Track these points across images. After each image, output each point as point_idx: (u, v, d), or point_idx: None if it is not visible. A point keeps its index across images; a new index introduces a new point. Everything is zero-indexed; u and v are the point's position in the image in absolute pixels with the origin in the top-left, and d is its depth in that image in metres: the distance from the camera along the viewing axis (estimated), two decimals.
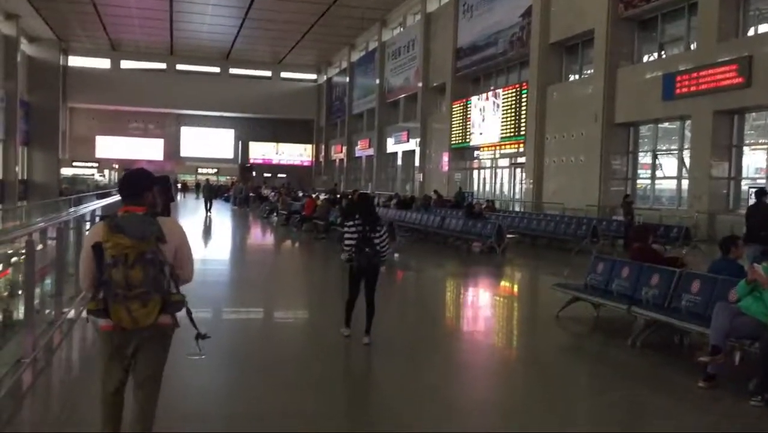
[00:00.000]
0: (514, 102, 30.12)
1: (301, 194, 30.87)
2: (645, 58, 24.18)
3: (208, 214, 30.63)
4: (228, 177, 63.16)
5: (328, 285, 11.79)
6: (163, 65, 62.67)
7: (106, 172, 63.43)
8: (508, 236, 16.11)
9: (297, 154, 70.49)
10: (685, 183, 21.91)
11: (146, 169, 3.96)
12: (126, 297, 3.28)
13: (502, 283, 13.42)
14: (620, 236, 16.46)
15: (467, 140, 35.01)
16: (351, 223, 7.40)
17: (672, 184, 23.01)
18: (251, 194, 39.57)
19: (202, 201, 35.61)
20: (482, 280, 13.39)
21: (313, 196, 24.97)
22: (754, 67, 18.33)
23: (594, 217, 19.28)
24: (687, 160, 21.70)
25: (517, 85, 30.17)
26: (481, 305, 10.60)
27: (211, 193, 33.77)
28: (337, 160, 61.83)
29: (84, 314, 3.99)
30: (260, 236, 23.47)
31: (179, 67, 63.11)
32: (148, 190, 3.67)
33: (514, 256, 16.15)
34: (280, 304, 10.29)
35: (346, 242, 7.30)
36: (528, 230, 18.79)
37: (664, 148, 23.76)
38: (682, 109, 21.07)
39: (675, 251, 9.81)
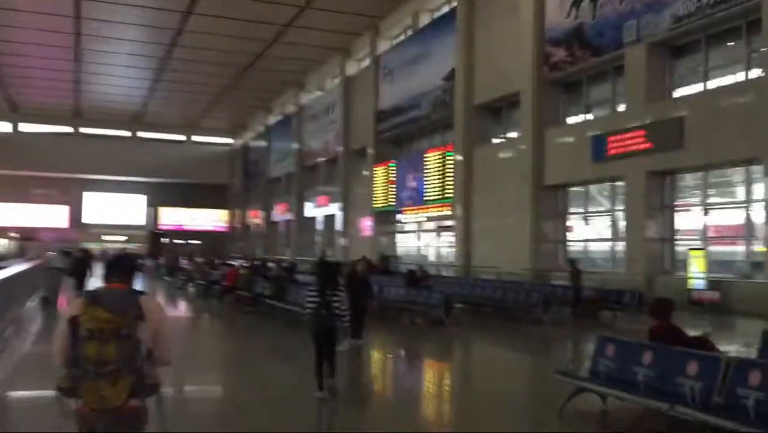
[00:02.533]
0: (439, 164, 29.61)
1: (217, 262, 28.90)
2: (571, 120, 24.16)
3: None
4: (138, 244, 59.99)
5: (267, 371, 10.27)
6: (68, 128, 59.79)
7: (4, 241, 59.17)
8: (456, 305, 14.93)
9: (211, 219, 68.19)
10: (618, 245, 21.61)
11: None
12: (96, 374, 3.18)
13: (469, 364, 11.96)
14: (567, 303, 15.58)
15: (390, 203, 34.21)
16: (312, 287, 8.21)
17: (604, 246, 22.70)
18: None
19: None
20: (444, 361, 11.87)
21: (236, 264, 23.22)
22: (686, 128, 18.33)
23: (543, 283, 18.22)
24: (621, 222, 21.46)
25: (442, 147, 29.74)
26: (460, 396, 8.94)
27: None
28: (254, 226, 59.95)
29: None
30: (176, 310, 21.46)
31: (85, 130, 60.43)
32: (133, 272, 3.72)
33: (464, 329, 14.74)
34: (206, 400, 8.74)
35: (307, 303, 8.10)
36: (471, 297, 17.53)
37: (596, 209, 23.55)
38: (614, 171, 20.89)
39: (701, 329, 8.72)
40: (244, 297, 17.57)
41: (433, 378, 10.62)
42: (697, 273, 17.33)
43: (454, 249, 28.99)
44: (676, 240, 19.89)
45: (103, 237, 63.00)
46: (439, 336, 14.02)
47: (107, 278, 3.61)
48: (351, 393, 8.58)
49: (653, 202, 19.87)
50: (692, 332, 6.94)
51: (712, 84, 18.88)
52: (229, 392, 8.90)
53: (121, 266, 3.64)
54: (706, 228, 18.87)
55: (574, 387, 6.49)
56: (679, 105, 19.06)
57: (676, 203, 20.02)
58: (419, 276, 17.00)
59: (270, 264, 21.50)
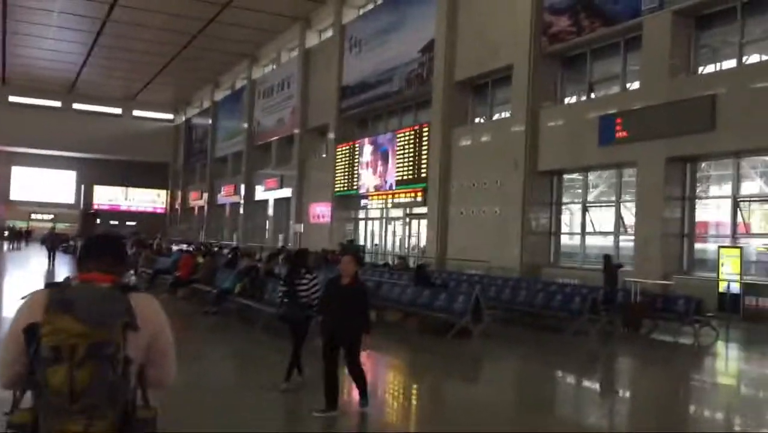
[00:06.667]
0: (412, 145, 26.80)
1: (175, 248, 25.16)
2: (568, 99, 21.72)
3: (51, 267, 25.72)
4: (68, 224, 55.40)
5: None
6: None
7: None
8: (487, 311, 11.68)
9: (149, 200, 63.96)
10: (624, 240, 19.24)
11: None
12: (63, 411, 2.21)
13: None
14: (607, 309, 12.70)
15: (353, 188, 31.27)
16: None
17: (605, 241, 20.30)
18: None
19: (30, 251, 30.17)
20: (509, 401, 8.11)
21: (192, 251, 19.69)
22: (717, 108, 15.98)
23: (590, 286, 14.51)
24: (628, 213, 19.11)
25: (416, 126, 26.90)
26: None
27: (54, 242, 29.20)
28: (196, 208, 56.06)
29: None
30: None
31: (12, 99, 55.29)
32: (124, 259, 2.67)
33: (498, 344, 11.43)
34: None
35: (279, 293, 7.97)
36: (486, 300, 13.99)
37: (597, 199, 21.17)
38: (624, 156, 18.47)
39: None
40: (205, 292, 14.31)
41: None
42: (730, 275, 15.02)
43: (425, 239, 26.26)
44: (698, 236, 17.62)
45: (32, 215, 58.19)
46: (478, 357, 10.85)
47: (84, 264, 2.53)
48: None
49: (672, 192, 17.51)
50: None
51: (748, 59, 16.60)
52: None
53: (105, 248, 2.61)
54: (735, 223, 16.58)
55: None
56: (710, 82, 16.68)
57: (698, 194, 17.72)
58: (427, 272, 14.05)
59: (244, 253, 17.67)
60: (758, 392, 9.19)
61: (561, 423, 7.13)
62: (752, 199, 16.97)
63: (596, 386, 9.71)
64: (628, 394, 9.15)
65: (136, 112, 59.97)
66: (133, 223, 59.70)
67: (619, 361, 11.57)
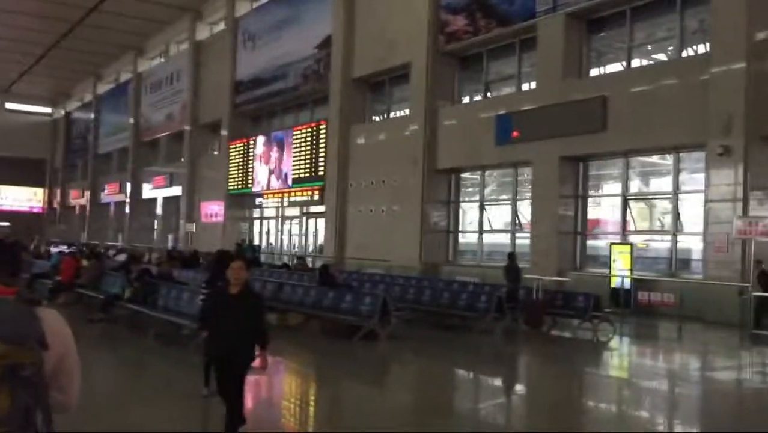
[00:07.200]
0: (309, 143, 26.34)
1: (55, 250, 23.30)
2: (467, 98, 21.97)
3: None
4: None
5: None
6: None
7: None
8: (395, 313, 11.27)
9: (25, 198, 59.97)
10: (519, 237, 19.62)
11: None
12: None
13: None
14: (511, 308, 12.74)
15: (248, 186, 30.44)
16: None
17: (502, 238, 20.65)
18: None
19: None
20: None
21: (75, 253, 18.31)
22: (608, 109, 16.54)
23: (495, 284, 14.28)
24: (524, 212, 19.50)
25: (314, 124, 26.46)
26: None
27: None
28: (78, 207, 53.12)
29: None
30: None
31: None
32: (19, 266, 2.44)
33: (407, 345, 11.17)
34: None
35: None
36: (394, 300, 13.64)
37: (494, 197, 21.52)
38: (520, 155, 18.83)
39: None
40: (90, 298, 13.30)
41: None
42: (622, 271, 15.56)
43: (323, 238, 25.89)
44: (590, 233, 18.21)
45: None
46: (386, 359, 10.59)
47: None
48: None
49: (565, 191, 17.99)
50: None
51: (636, 62, 17.31)
52: None
53: (1, 256, 2.33)
54: (625, 220, 17.23)
55: None
56: (600, 84, 17.25)
57: (590, 193, 18.31)
58: (333, 273, 13.64)
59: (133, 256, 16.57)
60: (652, 384, 9.49)
61: (462, 424, 7.02)
62: (640, 197, 17.72)
63: (502, 384, 9.71)
64: (532, 391, 9.20)
65: (10, 105, 56.17)
66: (6, 223, 55.81)
67: (523, 359, 11.68)
